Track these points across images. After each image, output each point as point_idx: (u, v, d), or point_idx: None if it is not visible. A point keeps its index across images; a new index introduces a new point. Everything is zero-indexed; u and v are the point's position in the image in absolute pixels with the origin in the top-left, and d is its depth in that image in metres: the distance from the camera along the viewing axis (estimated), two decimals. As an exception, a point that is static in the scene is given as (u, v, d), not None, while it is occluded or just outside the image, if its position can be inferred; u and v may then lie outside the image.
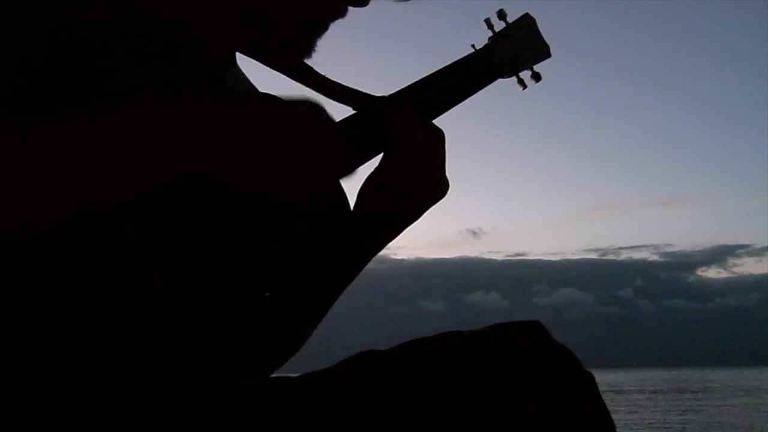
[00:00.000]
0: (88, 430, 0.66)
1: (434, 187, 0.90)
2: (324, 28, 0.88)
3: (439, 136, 0.89)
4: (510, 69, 1.01)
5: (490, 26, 1.01)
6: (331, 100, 0.93)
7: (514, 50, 1.00)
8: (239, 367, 0.82)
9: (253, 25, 0.86)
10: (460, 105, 0.98)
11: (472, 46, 1.00)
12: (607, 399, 0.81)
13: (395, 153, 0.87)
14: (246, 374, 0.85)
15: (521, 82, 1.03)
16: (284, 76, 0.94)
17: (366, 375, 0.78)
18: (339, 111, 0.91)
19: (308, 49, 0.88)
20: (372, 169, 0.90)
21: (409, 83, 0.95)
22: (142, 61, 0.73)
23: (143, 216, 0.67)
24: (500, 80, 1.02)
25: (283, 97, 0.70)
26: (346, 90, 0.94)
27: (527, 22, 1.02)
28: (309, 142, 0.68)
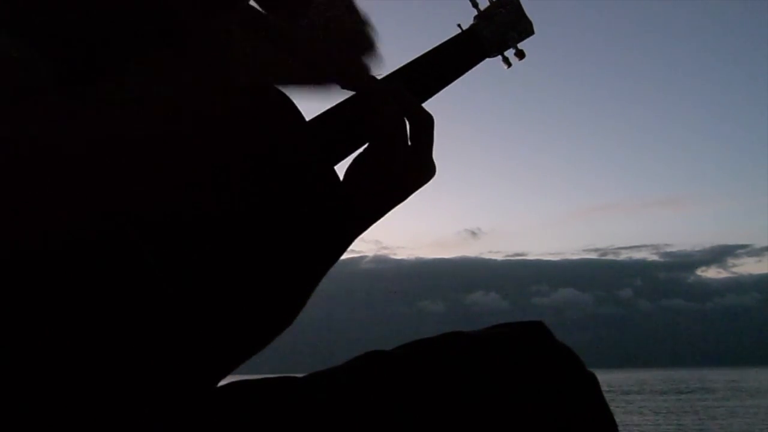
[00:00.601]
0: (89, 431, 0.66)
1: (421, 171, 0.89)
2: None
3: (428, 119, 0.89)
4: (496, 48, 1.02)
5: (475, 4, 1.02)
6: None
7: (501, 29, 1.01)
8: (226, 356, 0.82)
9: None
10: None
11: (459, 25, 1.01)
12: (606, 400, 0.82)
13: (384, 136, 0.87)
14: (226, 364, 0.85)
15: (506, 60, 1.04)
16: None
17: (371, 375, 0.79)
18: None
19: (305, 3, 0.90)
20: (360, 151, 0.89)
21: (399, 66, 0.95)
22: (142, 43, 0.75)
23: (148, 219, 0.68)
24: (493, 75, 1.05)
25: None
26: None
27: (511, 0, 1.03)
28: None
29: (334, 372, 0.81)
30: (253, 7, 0.93)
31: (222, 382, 0.79)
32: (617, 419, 0.82)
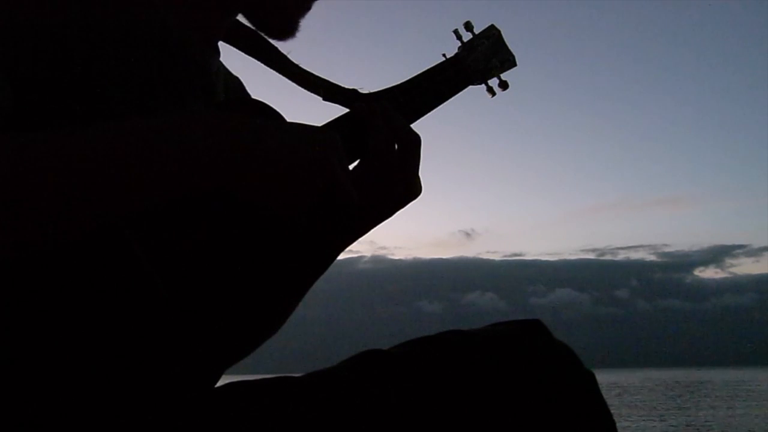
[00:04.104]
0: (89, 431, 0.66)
1: (407, 190, 0.92)
2: (307, 8, 0.91)
3: (416, 141, 0.92)
4: (480, 76, 1.06)
5: (459, 37, 1.05)
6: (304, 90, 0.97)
7: (484, 58, 1.05)
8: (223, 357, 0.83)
9: (239, 8, 0.89)
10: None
11: (443, 55, 1.04)
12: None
13: (375, 155, 0.89)
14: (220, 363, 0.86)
15: (490, 89, 1.08)
16: (259, 65, 0.97)
17: (369, 374, 0.79)
18: (323, 111, 0.92)
19: (293, 29, 0.91)
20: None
21: (385, 87, 0.98)
22: (132, 56, 0.76)
23: (144, 223, 0.68)
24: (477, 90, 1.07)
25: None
26: (317, 79, 0.96)
27: (493, 33, 1.07)
28: (303, 152, 0.71)
29: (332, 371, 0.81)
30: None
31: (221, 382, 0.80)
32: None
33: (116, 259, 0.67)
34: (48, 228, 0.61)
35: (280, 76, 0.96)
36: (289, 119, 0.84)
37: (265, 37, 0.93)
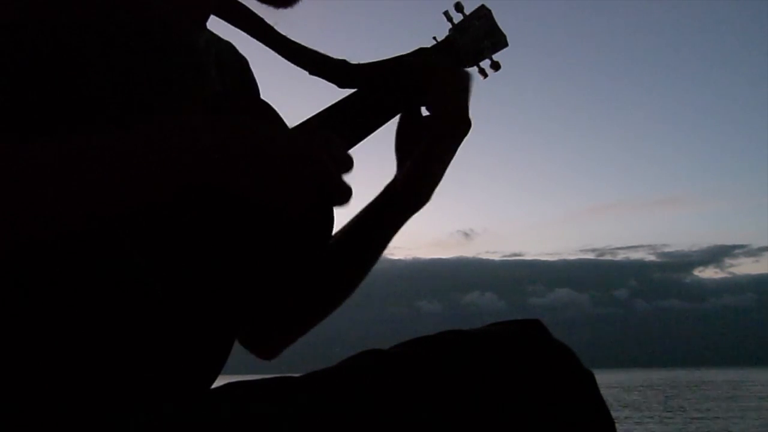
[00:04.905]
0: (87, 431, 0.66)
1: (465, 129, 0.99)
2: None
3: (468, 78, 0.99)
4: (472, 58, 1.05)
5: (449, 18, 1.04)
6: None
7: (476, 40, 1.04)
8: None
9: None
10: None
11: (434, 38, 1.04)
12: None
13: (437, 108, 0.97)
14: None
15: (482, 71, 1.07)
16: (248, 41, 0.96)
17: (368, 374, 0.79)
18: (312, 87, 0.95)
19: None
20: (402, 130, 1.00)
21: (375, 60, 0.98)
22: (118, 46, 0.76)
23: (139, 222, 0.68)
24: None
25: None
26: (305, 50, 0.96)
27: (484, 13, 1.06)
28: (298, 150, 0.71)
29: (332, 371, 0.81)
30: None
31: (220, 382, 0.80)
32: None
33: (110, 258, 0.67)
34: (39, 227, 0.62)
35: (268, 50, 0.95)
36: (278, 94, 0.86)
37: (267, 5, 0.92)
